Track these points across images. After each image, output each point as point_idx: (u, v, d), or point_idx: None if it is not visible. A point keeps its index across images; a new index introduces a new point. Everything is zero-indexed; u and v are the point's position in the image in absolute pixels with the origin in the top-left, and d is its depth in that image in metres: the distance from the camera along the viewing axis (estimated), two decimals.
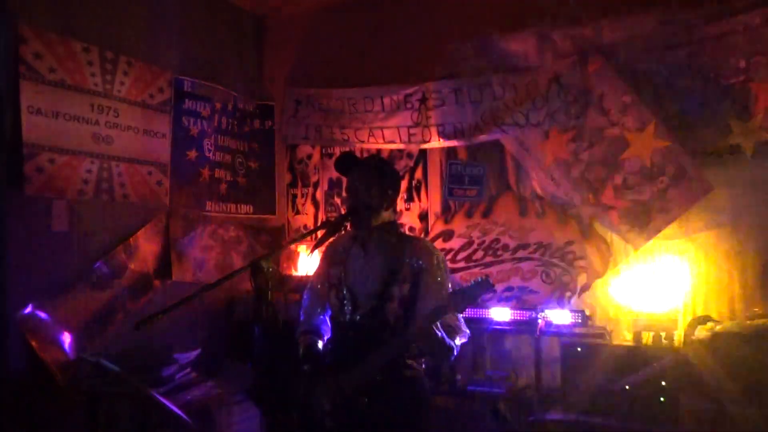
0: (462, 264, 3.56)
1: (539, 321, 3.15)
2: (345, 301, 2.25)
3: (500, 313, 3.27)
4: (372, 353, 2.10)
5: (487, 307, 3.28)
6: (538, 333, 3.13)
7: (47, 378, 2.83)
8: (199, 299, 2.03)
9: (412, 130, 3.67)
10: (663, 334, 2.86)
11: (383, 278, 2.21)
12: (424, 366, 2.30)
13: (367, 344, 2.13)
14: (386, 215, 2.29)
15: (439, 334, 2.08)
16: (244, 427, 3.35)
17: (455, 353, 2.18)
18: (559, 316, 3.13)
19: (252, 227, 4.14)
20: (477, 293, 2.04)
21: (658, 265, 3.12)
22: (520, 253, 3.45)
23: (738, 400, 2.51)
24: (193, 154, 3.66)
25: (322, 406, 2.14)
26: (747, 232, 2.96)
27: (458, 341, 2.19)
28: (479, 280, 2.06)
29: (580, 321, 3.09)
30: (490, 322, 3.26)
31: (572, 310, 3.15)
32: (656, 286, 2.97)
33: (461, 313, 2.17)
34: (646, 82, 3.11)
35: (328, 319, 2.38)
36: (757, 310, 2.88)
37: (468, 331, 2.26)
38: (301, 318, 2.46)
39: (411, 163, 3.83)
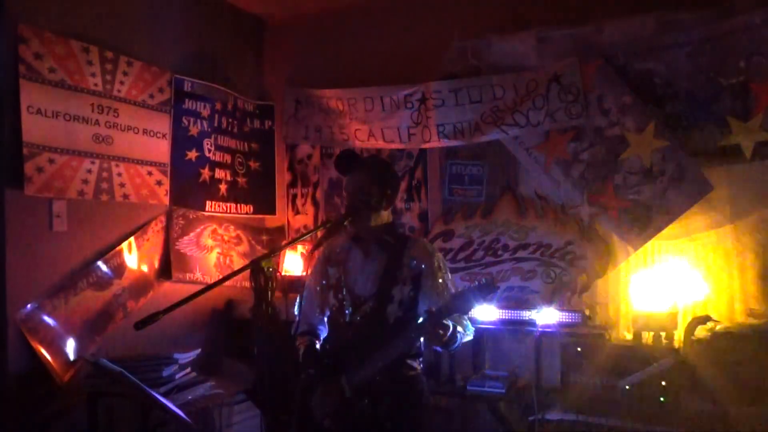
0: (462, 264, 3.56)
1: (539, 321, 3.15)
2: (344, 302, 2.25)
3: (500, 313, 3.27)
4: (373, 354, 2.10)
5: (488, 307, 3.28)
6: (538, 333, 3.14)
7: (47, 378, 2.83)
8: (199, 299, 2.03)
9: (412, 130, 3.67)
10: (663, 334, 2.86)
11: (383, 279, 2.21)
12: (423, 366, 2.30)
13: (367, 345, 2.13)
14: (385, 215, 2.29)
15: (448, 323, 2.07)
16: (244, 427, 3.36)
17: (461, 340, 2.18)
18: (559, 315, 3.14)
19: (252, 227, 4.14)
20: (481, 295, 2.01)
21: (658, 265, 3.13)
22: (520, 253, 3.45)
23: (738, 400, 2.51)
24: (193, 154, 3.66)
25: (322, 407, 2.14)
26: (747, 232, 2.96)
27: (467, 331, 2.20)
28: (483, 281, 2.02)
29: (580, 321, 3.09)
30: (491, 322, 3.25)
31: (572, 310, 3.15)
32: (656, 286, 2.97)
33: (465, 314, 2.17)
34: (646, 82, 3.11)
35: (325, 319, 2.38)
36: (756, 309, 2.89)
37: (473, 327, 2.27)
38: (298, 318, 2.45)
39: (411, 163, 3.83)
